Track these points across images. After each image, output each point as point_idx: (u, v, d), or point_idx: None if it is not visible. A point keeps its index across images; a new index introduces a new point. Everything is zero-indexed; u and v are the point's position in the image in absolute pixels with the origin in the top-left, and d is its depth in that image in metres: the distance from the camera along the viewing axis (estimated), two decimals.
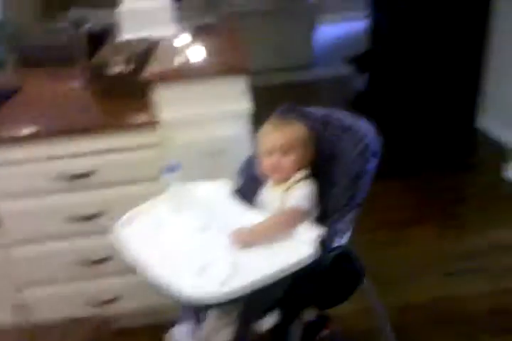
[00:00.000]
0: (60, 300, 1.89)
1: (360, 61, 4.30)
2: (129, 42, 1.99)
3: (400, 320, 1.90)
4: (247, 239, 1.23)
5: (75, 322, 1.33)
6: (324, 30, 6.29)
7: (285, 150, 1.31)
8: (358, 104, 4.24)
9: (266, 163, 1.35)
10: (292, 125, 1.34)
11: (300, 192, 1.29)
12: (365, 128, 1.30)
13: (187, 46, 2.06)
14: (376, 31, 4.06)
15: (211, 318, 1.27)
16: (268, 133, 1.35)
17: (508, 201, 2.64)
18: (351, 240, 1.31)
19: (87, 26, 2.13)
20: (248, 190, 1.49)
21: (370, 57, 4.16)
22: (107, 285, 1.89)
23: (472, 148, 3.40)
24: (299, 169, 1.33)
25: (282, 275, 1.12)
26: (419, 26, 3.24)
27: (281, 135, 1.32)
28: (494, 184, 2.81)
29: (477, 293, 2.02)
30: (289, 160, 1.31)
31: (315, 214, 1.33)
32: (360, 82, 4.42)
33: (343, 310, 1.28)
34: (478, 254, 2.25)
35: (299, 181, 1.32)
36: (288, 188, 1.31)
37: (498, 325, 1.87)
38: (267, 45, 4.78)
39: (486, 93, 3.39)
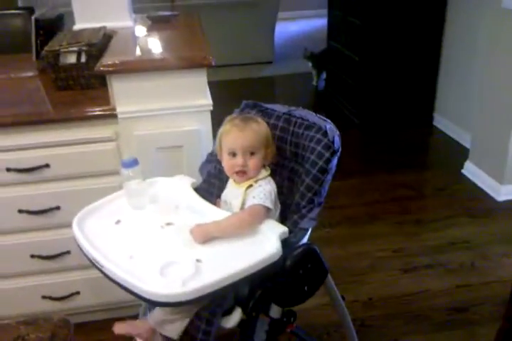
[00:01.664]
0: (17, 295, 1.84)
1: (317, 58, 4.33)
2: (83, 32, 1.90)
3: (362, 314, 1.93)
4: (209, 235, 1.20)
5: (34, 319, 1.26)
6: (285, 26, 6.33)
7: (249, 152, 1.29)
8: (317, 101, 4.28)
9: (228, 164, 1.32)
10: (254, 124, 1.31)
11: (261, 190, 1.27)
12: (326, 125, 1.29)
13: (144, 38, 2.00)
14: (332, 29, 4.09)
15: (163, 310, 1.23)
16: (230, 133, 1.31)
17: (465, 198, 2.70)
18: (311, 236, 1.31)
19: (39, 13, 2.02)
20: (208, 187, 1.47)
21: (328, 54, 4.19)
22: (66, 279, 1.85)
23: (431, 145, 3.48)
24: (260, 168, 1.32)
25: (246, 273, 1.10)
26: (377, 27, 3.28)
27: (244, 136, 1.29)
28: (452, 181, 2.87)
29: (435, 289, 2.06)
30: (252, 162, 1.29)
31: (277, 212, 1.32)
32: (318, 79, 4.46)
33: (305, 304, 1.27)
34: (436, 251, 2.29)
35: (260, 179, 1.31)
36: (249, 186, 1.30)
37: (455, 321, 1.90)
38: (226, 39, 4.73)
39: (441, 94, 3.47)
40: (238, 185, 1.32)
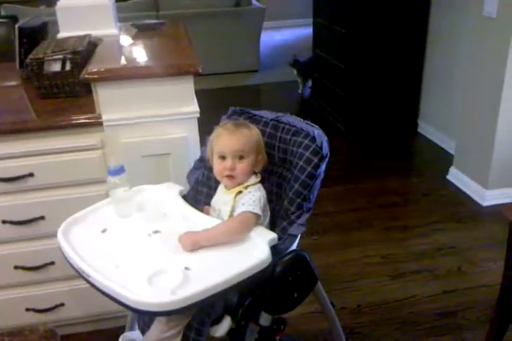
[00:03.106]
0: (0, 307, 1.79)
1: (303, 67, 4.36)
2: (67, 40, 1.89)
3: (351, 321, 1.92)
4: (197, 243, 1.19)
5: (19, 330, 1.23)
6: (271, 35, 6.37)
7: (238, 155, 1.28)
8: (303, 109, 4.30)
9: (218, 168, 1.31)
10: (246, 129, 1.31)
11: (251, 197, 1.26)
12: (314, 131, 1.29)
13: (129, 46, 1.99)
14: (317, 38, 4.12)
15: (158, 325, 1.21)
16: (221, 137, 1.31)
17: (451, 203, 2.72)
18: (299, 243, 1.30)
19: (24, 21, 2.00)
20: (196, 194, 1.46)
21: (313, 63, 4.22)
22: (50, 291, 1.81)
23: (416, 152, 3.51)
24: (251, 174, 1.31)
25: (236, 281, 1.09)
26: (362, 35, 3.32)
27: (234, 140, 1.29)
28: (438, 187, 2.90)
29: (423, 295, 2.06)
30: (241, 166, 1.29)
31: (267, 218, 1.31)
32: (304, 87, 4.48)
33: (294, 311, 1.26)
34: (423, 256, 2.30)
35: (250, 186, 1.30)
36: (239, 193, 1.29)
37: (443, 326, 1.90)
38: (212, 47, 4.74)
39: (425, 101, 3.52)
40: (228, 191, 1.32)
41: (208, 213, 1.35)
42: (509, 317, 1.44)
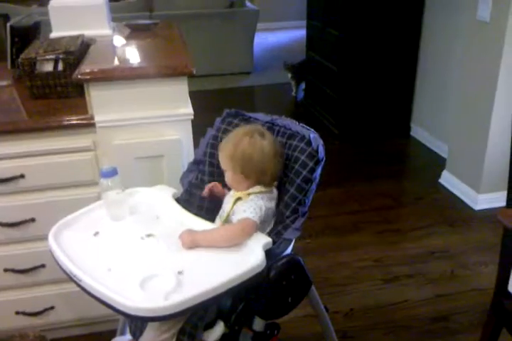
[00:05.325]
0: None
1: (296, 69, 4.35)
2: (60, 40, 1.87)
3: (344, 325, 1.91)
4: (195, 243, 1.19)
5: (9, 336, 1.21)
6: (264, 37, 6.37)
7: (225, 169, 1.32)
8: (296, 112, 4.29)
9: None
10: (232, 147, 1.28)
11: (252, 205, 1.25)
12: (310, 134, 1.28)
13: (123, 46, 1.97)
14: (310, 40, 4.12)
15: (151, 330, 1.20)
16: (222, 144, 1.33)
17: (443, 207, 2.73)
18: (293, 246, 1.29)
19: (16, 20, 1.98)
20: (190, 197, 1.45)
21: (306, 65, 4.21)
22: (40, 294, 1.78)
23: (409, 155, 3.51)
24: (243, 184, 1.29)
25: (230, 285, 1.07)
26: (356, 38, 3.32)
27: (221, 155, 1.32)
28: (430, 191, 2.90)
29: (415, 299, 2.06)
30: (228, 179, 1.32)
31: (268, 228, 1.29)
32: (297, 89, 4.48)
33: (287, 315, 1.25)
34: (416, 260, 2.30)
35: (253, 193, 1.28)
36: (239, 198, 1.28)
37: (436, 330, 1.90)
38: (205, 49, 4.73)
39: (417, 105, 3.52)
40: (233, 193, 1.33)
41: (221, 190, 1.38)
42: (502, 320, 1.44)
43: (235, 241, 1.19)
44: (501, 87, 2.44)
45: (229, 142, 1.30)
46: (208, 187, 1.39)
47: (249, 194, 1.28)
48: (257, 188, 1.29)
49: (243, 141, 1.27)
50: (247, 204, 1.25)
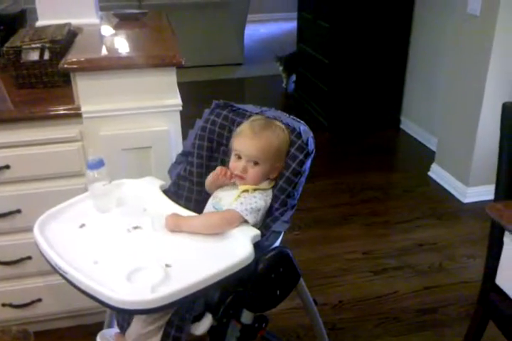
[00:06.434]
0: None
1: (287, 61, 4.33)
2: (46, 28, 1.83)
3: (333, 317, 1.92)
4: (178, 227, 1.19)
5: None
6: (255, 28, 6.33)
7: (253, 161, 1.25)
8: (287, 103, 4.28)
9: (232, 164, 1.29)
10: (271, 133, 1.25)
11: (252, 202, 1.23)
12: (300, 127, 1.27)
13: (111, 35, 1.94)
14: (301, 32, 4.10)
15: (138, 323, 1.19)
16: (242, 136, 1.27)
17: (432, 200, 2.74)
18: (282, 238, 1.28)
19: (1, 8, 1.94)
20: (178, 189, 1.43)
21: (297, 57, 4.19)
22: (27, 286, 1.76)
23: (398, 148, 3.52)
24: (263, 180, 1.27)
25: (218, 278, 1.06)
26: (346, 30, 3.30)
27: (253, 145, 1.24)
28: (419, 183, 2.91)
29: (404, 291, 2.07)
30: (252, 171, 1.25)
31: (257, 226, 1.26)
32: (288, 81, 4.46)
33: (276, 308, 1.25)
34: (405, 252, 2.31)
35: (260, 190, 1.26)
36: (246, 190, 1.25)
37: (424, 322, 1.91)
38: (195, 40, 4.68)
39: (407, 97, 3.52)
40: (238, 185, 1.29)
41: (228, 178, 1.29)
42: (489, 312, 1.45)
43: (216, 230, 1.18)
44: (490, 80, 2.44)
45: (263, 132, 1.25)
46: (215, 173, 1.32)
47: (255, 189, 1.25)
48: (265, 184, 1.27)
49: (278, 133, 1.25)
50: (247, 200, 1.23)
